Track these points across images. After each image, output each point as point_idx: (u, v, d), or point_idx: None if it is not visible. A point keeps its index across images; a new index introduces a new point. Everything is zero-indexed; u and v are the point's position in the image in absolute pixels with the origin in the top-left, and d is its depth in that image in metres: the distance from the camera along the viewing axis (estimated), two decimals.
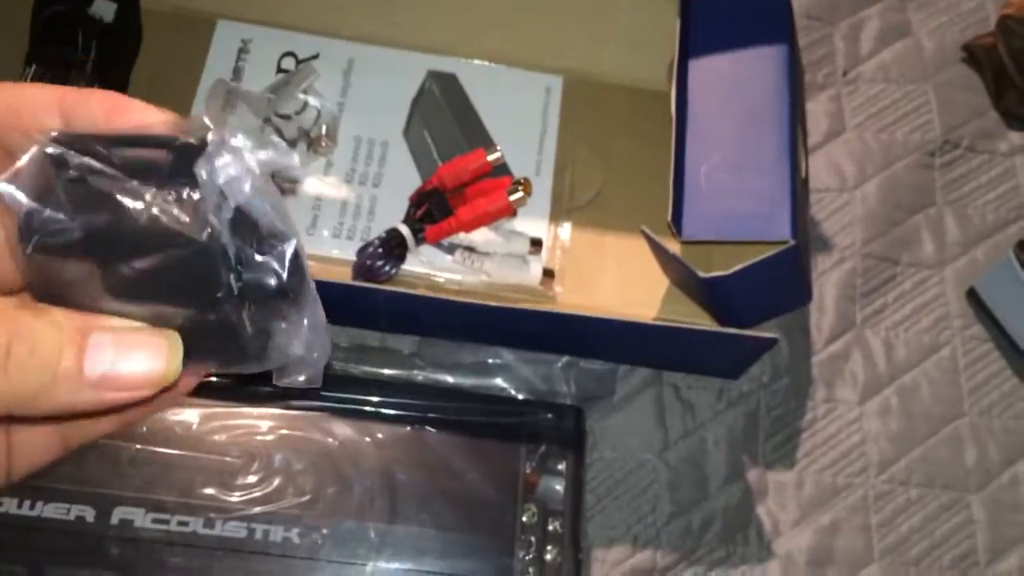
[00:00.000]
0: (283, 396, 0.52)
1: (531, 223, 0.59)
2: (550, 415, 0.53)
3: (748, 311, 0.53)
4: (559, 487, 0.51)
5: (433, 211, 0.57)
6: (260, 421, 0.52)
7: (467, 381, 0.55)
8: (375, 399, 0.53)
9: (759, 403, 0.58)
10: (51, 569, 0.46)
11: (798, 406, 0.58)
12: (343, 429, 0.52)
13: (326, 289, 0.50)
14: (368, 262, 0.55)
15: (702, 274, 0.50)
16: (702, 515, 0.54)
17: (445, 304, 0.50)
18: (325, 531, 0.49)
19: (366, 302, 0.52)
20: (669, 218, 0.50)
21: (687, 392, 0.57)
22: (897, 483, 0.56)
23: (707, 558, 0.53)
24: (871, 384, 0.59)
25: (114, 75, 0.58)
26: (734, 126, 0.53)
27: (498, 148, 0.57)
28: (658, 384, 0.57)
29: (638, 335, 0.51)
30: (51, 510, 0.47)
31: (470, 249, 0.58)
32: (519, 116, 0.62)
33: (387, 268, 0.56)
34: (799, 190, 0.52)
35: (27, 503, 0.48)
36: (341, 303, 0.52)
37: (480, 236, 0.58)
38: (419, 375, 0.56)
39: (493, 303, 0.49)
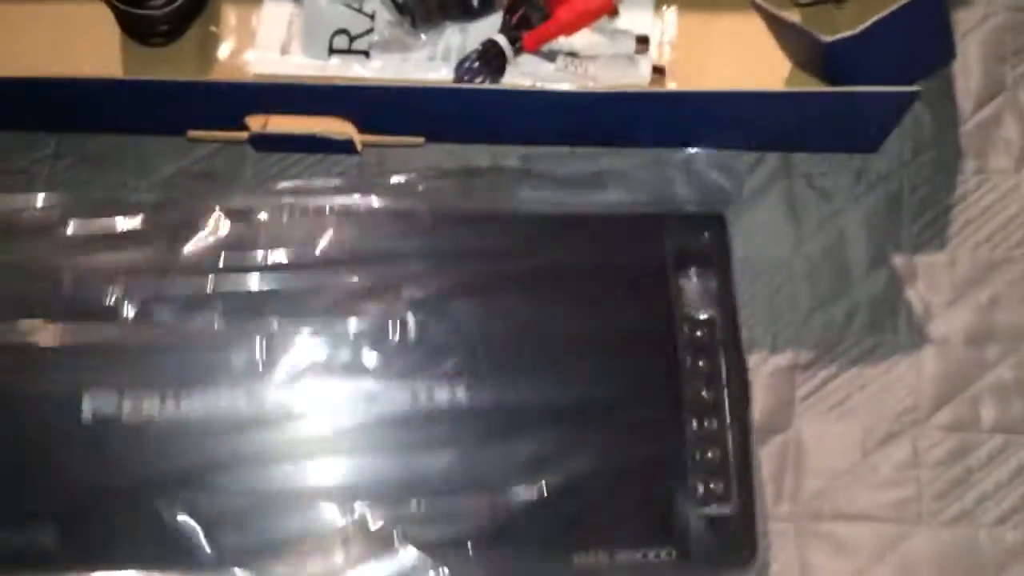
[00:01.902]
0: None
1: (635, 19, 0.55)
2: (691, 228, 0.50)
3: (883, 79, 0.48)
4: (710, 299, 0.48)
5: (529, 15, 0.54)
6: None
7: (578, 197, 0.52)
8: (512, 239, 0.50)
9: (902, 182, 0.53)
10: None
11: (946, 181, 0.53)
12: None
13: (427, 97, 0.50)
14: (466, 77, 0.53)
15: (826, 38, 0.46)
16: (846, 306, 0.51)
17: (552, 99, 0.48)
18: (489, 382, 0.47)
19: (471, 107, 0.50)
20: None
21: (820, 179, 0.53)
22: None
23: (853, 350, 0.50)
24: None
25: None
26: None
27: None
28: (788, 176, 0.53)
29: (764, 108, 0.47)
30: None
31: (572, 54, 0.55)
32: None
33: (486, 82, 0.53)
34: None
35: None
36: (443, 114, 0.50)
37: (582, 39, 0.55)
38: (533, 198, 0.53)
39: (603, 89, 0.46)
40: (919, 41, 0.48)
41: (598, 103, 0.48)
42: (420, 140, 0.52)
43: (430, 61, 0.56)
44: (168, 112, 0.51)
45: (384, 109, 0.50)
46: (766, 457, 0.49)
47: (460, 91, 0.50)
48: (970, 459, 0.49)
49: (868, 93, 0.44)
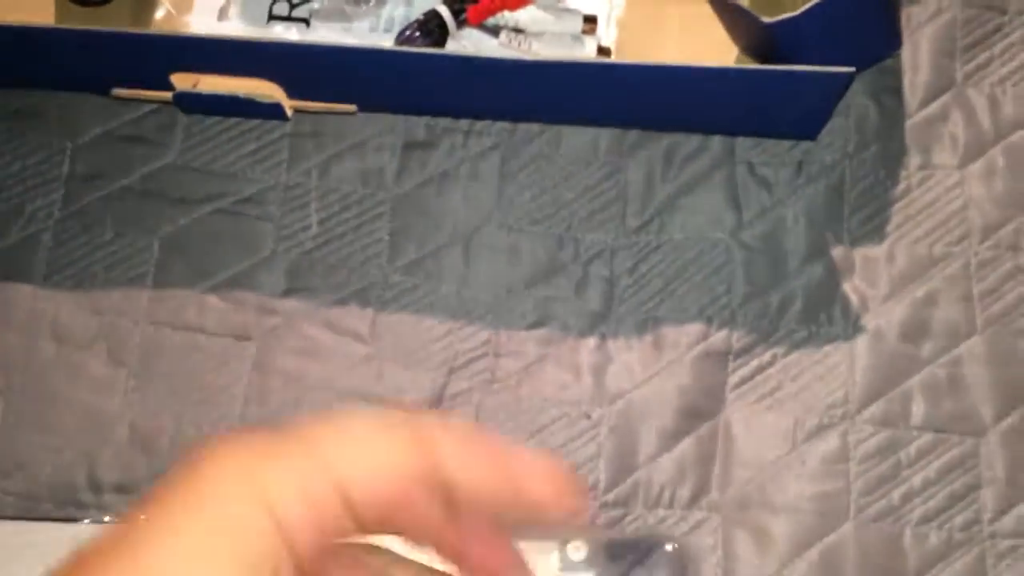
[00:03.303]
0: None
1: None
2: None
3: (826, 64, 0.48)
4: None
5: None
6: None
7: None
8: None
9: (844, 175, 0.52)
10: None
11: (888, 175, 0.52)
12: None
13: (358, 59, 0.48)
14: (405, 47, 0.52)
15: (768, 19, 0.45)
16: (781, 295, 0.50)
17: (486, 65, 0.46)
18: None
19: (404, 73, 0.48)
20: None
21: (762, 169, 0.52)
22: (1004, 248, 0.50)
23: (788, 339, 0.49)
24: (973, 145, 0.52)
25: None
26: None
27: None
28: (730, 163, 0.52)
29: (699, 84, 0.46)
30: None
31: (517, 30, 0.54)
32: None
33: None
34: None
35: None
36: (375, 80, 0.49)
37: (527, 15, 0.54)
38: None
39: (538, 58, 0.45)
40: (863, 27, 0.48)
41: (532, 72, 0.47)
42: (352, 108, 0.51)
43: (372, 32, 0.54)
44: (94, 67, 0.50)
45: (315, 73, 0.49)
46: (693, 443, 0.48)
47: (392, 53, 0.48)
48: (899, 455, 0.48)
49: (802, 72, 0.44)
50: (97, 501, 0.48)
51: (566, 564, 0.43)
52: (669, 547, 0.45)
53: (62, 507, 0.48)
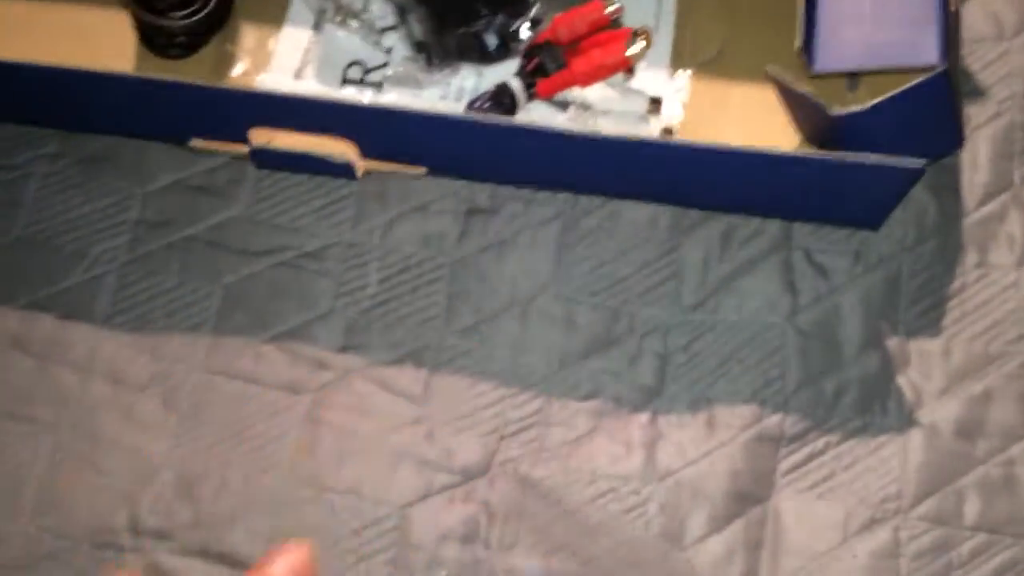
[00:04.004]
0: None
1: (650, 81, 0.56)
2: None
3: None
4: None
5: (546, 63, 0.54)
6: None
7: None
8: None
9: (901, 267, 0.52)
10: None
11: (946, 271, 0.52)
12: None
13: (430, 124, 0.49)
14: (477, 115, 0.53)
15: (835, 111, 0.46)
16: (836, 383, 0.50)
17: (553, 138, 0.47)
18: None
19: (474, 140, 0.49)
20: (798, 44, 0.45)
21: (819, 256, 0.53)
22: None
23: (841, 428, 0.49)
24: None
25: None
26: None
27: None
28: (786, 248, 0.53)
29: (763, 169, 0.47)
30: None
31: (585, 106, 0.55)
32: None
33: None
34: (948, 18, 0.46)
35: None
36: (446, 145, 0.50)
37: (595, 93, 0.55)
38: None
39: (604, 134, 0.46)
40: (927, 123, 0.48)
41: (598, 147, 0.48)
42: (422, 171, 0.52)
43: (442, 100, 0.56)
44: (172, 117, 0.51)
45: (387, 135, 0.50)
46: (742, 527, 0.47)
47: (463, 121, 0.49)
48: (951, 554, 0.47)
49: (871, 164, 0.44)
50: (135, 544, 0.48)
51: None
52: None
53: (99, 548, 0.48)
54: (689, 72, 0.56)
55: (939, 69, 0.43)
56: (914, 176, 0.44)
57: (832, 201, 0.50)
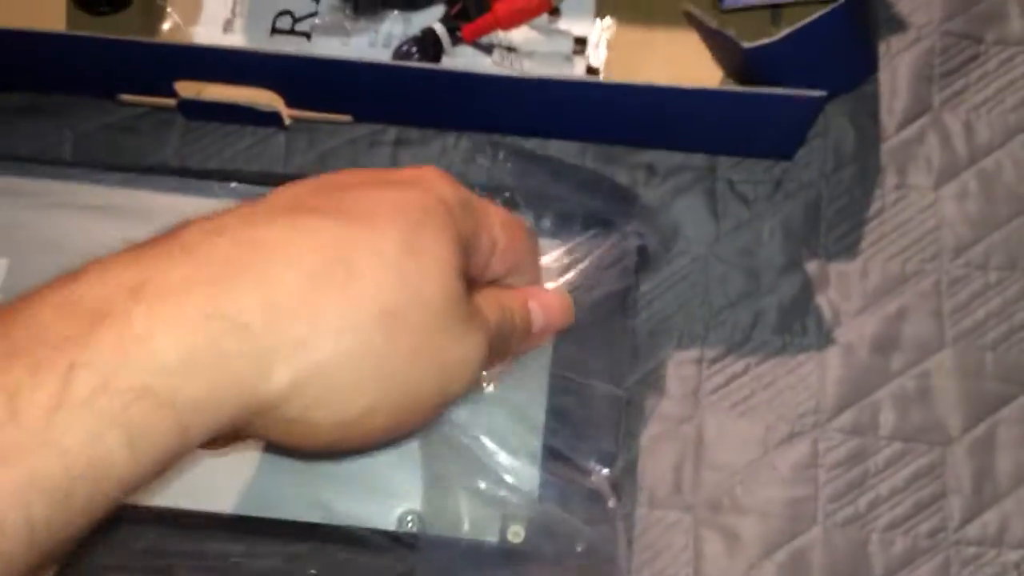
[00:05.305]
0: None
1: (575, 22, 0.56)
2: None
3: (803, 87, 0.49)
4: None
5: (469, 8, 0.55)
6: None
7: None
8: None
9: (821, 193, 0.54)
10: None
11: (864, 194, 0.54)
12: None
13: (354, 71, 0.50)
14: (401, 62, 0.54)
15: (746, 44, 0.47)
16: (755, 307, 0.52)
17: (476, 81, 0.48)
18: None
19: (398, 85, 0.50)
20: None
21: (742, 186, 0.54)
22: (974, 267, 0.52)
23: (761, 349, 0.51)
24: (948, 168, 0.54)
25: None
26: None
27: None
28: (711, 178, 0.54)
29: (677, 104, 0.48)
30: None
31: (510, 49, 0.56)
32: None
33: None
34: None
35: None
36: (371, 92, 0.51)
37: (520, 35, 0.56)
38: None
39: (526, 75, 0.47)
40: (839, 54, 0.49)
41: (521, 87, 0.49)
42: (348, 118, 0.53)
43: (370, 47, 0.57)
44: (102, 73, 0.52)
45: (312, 83, 0.51)
46: (667, 447, 0.49)
47: (386, 67, 0.50)
48: (868, 463, 0.49)
49: (776, 95, 0.45)
50: None
51: None
52: None
53: None
54: (613, 15, 0.57)
55: None
56: (817, 105, 0.45)
57: (745, 133, 0.51)
